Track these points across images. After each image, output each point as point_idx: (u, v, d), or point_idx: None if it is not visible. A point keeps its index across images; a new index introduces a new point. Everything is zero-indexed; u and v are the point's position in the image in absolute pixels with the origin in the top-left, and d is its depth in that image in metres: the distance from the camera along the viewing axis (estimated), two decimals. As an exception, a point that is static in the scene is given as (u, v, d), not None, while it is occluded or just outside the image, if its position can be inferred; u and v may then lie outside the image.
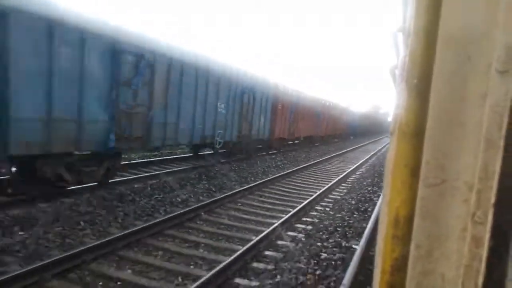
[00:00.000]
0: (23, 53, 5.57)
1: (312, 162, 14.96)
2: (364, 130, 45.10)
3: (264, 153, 16.17)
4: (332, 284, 4.40)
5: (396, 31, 0.91)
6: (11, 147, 5.54)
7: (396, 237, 0.69)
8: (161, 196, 7.66)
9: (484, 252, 0.63)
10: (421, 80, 0.68)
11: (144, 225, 5.62)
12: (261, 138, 15.58)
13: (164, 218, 6.05)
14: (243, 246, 5.20)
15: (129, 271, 4.50)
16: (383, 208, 0.73)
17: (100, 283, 4.13)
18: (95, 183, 7.46)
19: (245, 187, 8.94)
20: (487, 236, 0.63)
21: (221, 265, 4.41)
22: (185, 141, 10.54)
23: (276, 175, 10.99)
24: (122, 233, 5.18)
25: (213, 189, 8.79)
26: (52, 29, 5.91)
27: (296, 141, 22.01)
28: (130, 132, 7.87)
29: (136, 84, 7.83)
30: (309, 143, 23.23)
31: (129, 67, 7.68)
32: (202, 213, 6.76)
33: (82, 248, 4.56)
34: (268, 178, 10.35)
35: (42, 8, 5.81)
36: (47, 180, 6.45)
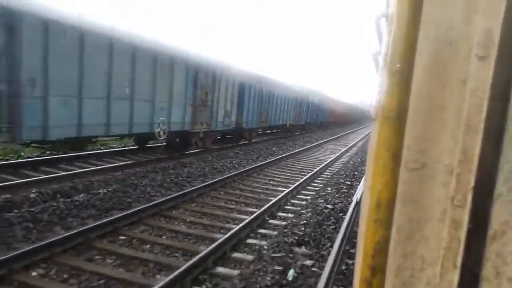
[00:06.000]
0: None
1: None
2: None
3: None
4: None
5: (379, 17, 0.91)
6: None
7: (378, 220, 0.69)
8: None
9: (463, 235, 0.64)
10: (403, 65, 0.68)
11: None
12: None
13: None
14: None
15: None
16: (365, 192, 0.74)
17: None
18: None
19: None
20: (466, 219, 0.64)
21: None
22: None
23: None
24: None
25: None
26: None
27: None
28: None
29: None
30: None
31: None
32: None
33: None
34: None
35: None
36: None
